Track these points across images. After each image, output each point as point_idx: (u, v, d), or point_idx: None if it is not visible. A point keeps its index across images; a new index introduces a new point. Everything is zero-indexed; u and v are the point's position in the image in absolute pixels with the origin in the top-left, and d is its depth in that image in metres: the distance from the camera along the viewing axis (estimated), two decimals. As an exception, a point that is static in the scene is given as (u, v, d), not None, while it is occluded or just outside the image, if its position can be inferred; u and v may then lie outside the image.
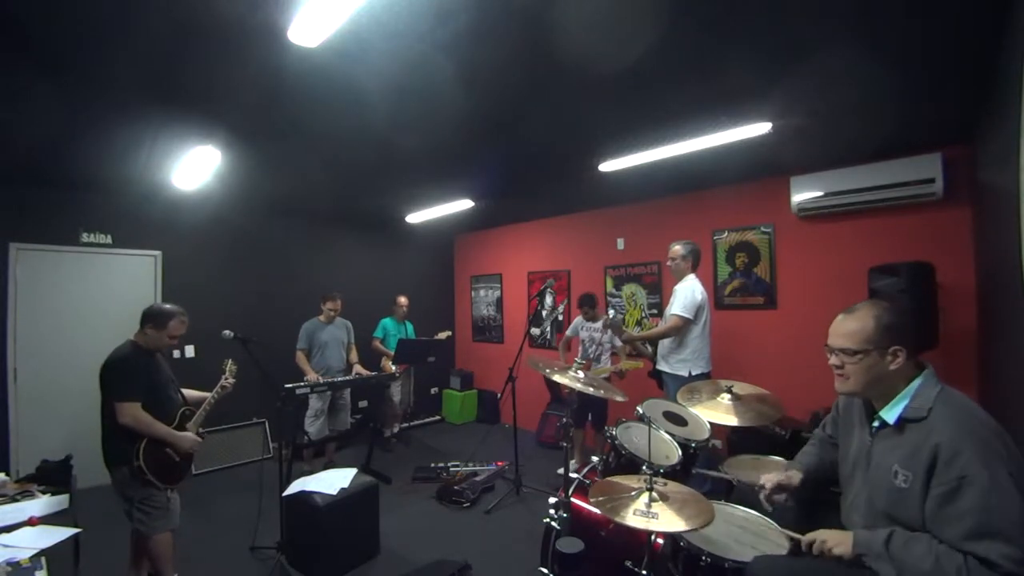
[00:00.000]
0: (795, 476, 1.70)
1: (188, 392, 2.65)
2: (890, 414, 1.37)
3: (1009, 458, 1.19)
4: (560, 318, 5.68)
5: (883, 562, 1.25)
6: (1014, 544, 1.11)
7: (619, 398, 2.35)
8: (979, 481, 1.15)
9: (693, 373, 3.18)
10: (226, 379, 2.62)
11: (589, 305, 4.28)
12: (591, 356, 4.20)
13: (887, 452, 1.37)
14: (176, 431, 2.37)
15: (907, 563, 1.21)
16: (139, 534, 2.34)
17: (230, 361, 2.70)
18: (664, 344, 3.38)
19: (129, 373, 2.29)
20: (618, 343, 4.20)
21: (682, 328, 3.22)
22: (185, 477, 2.46)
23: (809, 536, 1.43)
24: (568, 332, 4.54)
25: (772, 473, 1.73)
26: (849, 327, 1.41)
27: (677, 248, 3.40)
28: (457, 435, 5.89)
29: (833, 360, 1.44)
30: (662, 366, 3.40)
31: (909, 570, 1.21)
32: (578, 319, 4.44)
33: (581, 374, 2.45)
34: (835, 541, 1.36)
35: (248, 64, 2.12)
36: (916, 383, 1.36)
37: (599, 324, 4.24)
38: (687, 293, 3.24)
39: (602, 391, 2.38)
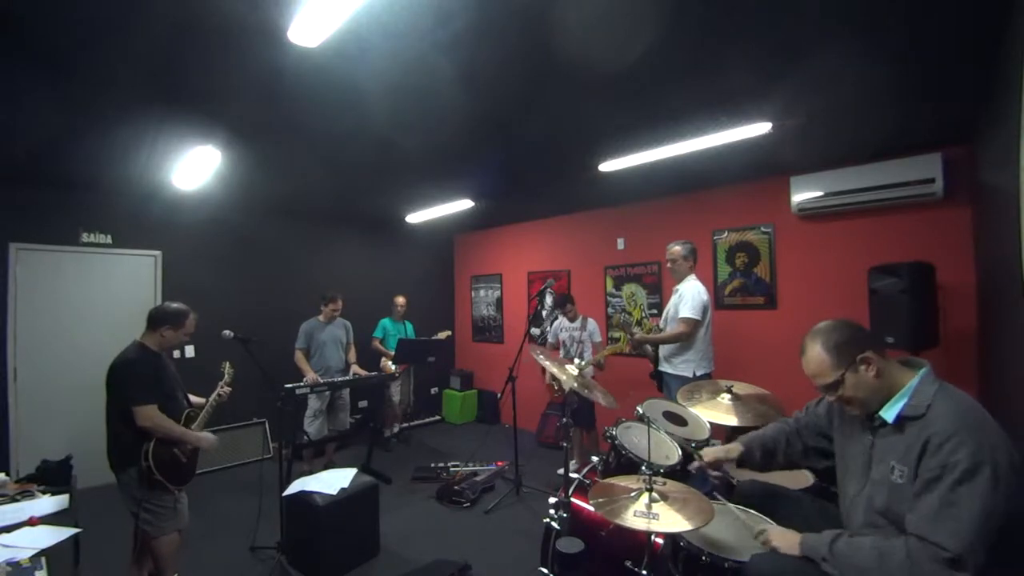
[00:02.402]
0: (734, 449, 1.79)
1: (190, 397, 2.65)
2: (889, 413, 1.39)
3: (1000, 457, 1.19)
4: (559, 316, 5.68)
5: (828, 564, 1.32)
6: (966, 538, 1.13)
7: (612, 404, 2.38)
8: (956, 471, 1.17)
9: (697, 374, 3.15)
10: (223, 386, 2.61)
11: (571, 302, 4.43)
12: (573, 354, 4.33)
13: (887, 450, 1.39)
14: (194, 432, 2.38)
15: (851, 563, 1.28)
16: (145, 534, 2.33)
17: (228, 364, 2.70)
18: (668, 345, 3.35)
19: (143, 376, 2.27)
20: (597, 338, 4.38)
21: (694, 331, 3.20)
22: (192, 477, 2.46)
23: (760, 527, 1.53)
24: (549, 339, 4.65)
25: (713, 448, 1.85)
26: (812, 368, 1.47)
27: (677, 249, 3.38)
28: (457, 435, 5.89)
29: (829, 397, 1.48)
30: (664, 367, 3.36)
31: (852, 571, 1.27)
32: (556, 323, 4.57)
33: (576, 371, 2.46)
34: (781, 541, 1.45)
35: (248, 64, 2.12)
36: (914, 382, 1.37)
37: (578, 323, 4.40)
38: (694, 294, 3.21)
39: (586, 390, 2.40)
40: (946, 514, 1.16)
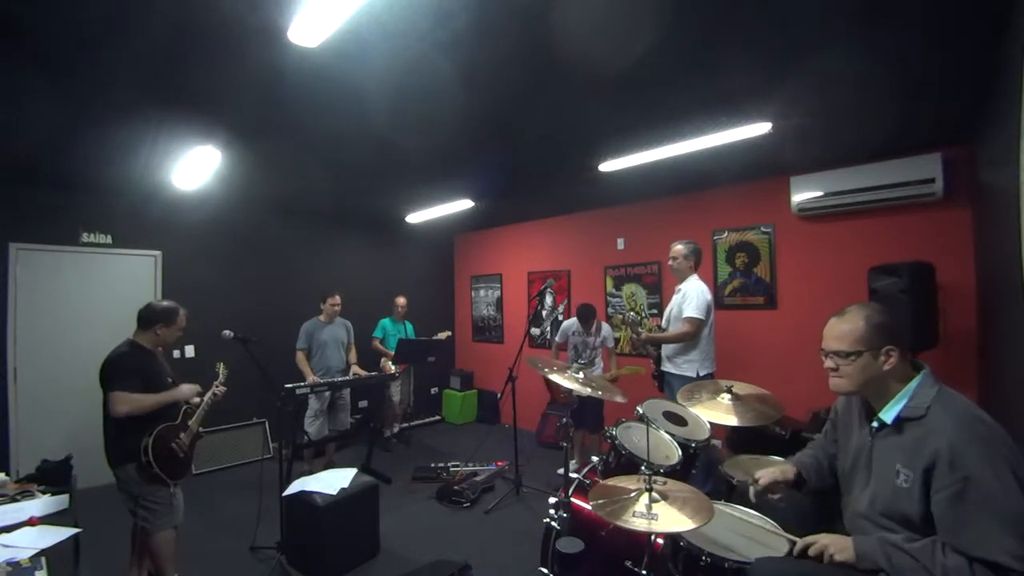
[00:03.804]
0: (789, 471, 1.72)
1: None
2: (888, 414, 1.39)
3: (1011, 457, 1.19)
4: (560, 318, 5.68)
5: (881, 568, 1.27)
6: (1021, 542, 1.11)
7: (619, 399, 2.36)
8: (984, 480, 1.16)
9: (701, 374, 3.15)
10: (217, 386, 2.62)
11: (594, 316, 4.26)
12: (584, 360, 4.24)
13: (889, 452, 1.38)
14: (172, 390, 2.40)
15: (907, 567, 1.22)
16: (142, 531, 2.35)
17: (222, 364, 2.71)
18: (671, 345, 3.35)
19: (125, 367, 2.30)
20: (611, 343, 4.29)
21: (698, 331, 3.19)
22: (188, 472, 2.47)
23: (808, 539, 1.44)
24: (559, 338, 4.50)
25: (768, 469, 1.74)
26: (841, 329, 1.43)
27: (679, 247, 3.38)
28: (457, 435, 5.89)
29: (828, 363, 1.46)
30: (667, 367, 3.35)
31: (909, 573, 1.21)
32: (568, 323, 4.42)
33: (581, 374, 2.45)
34: (837, 547, 1.36)
35: (248, 64, 2.12)
36: (914, 383, 1.37)
37: (593, 328, 4.28)
38: (697, 294, 3.20)
39: (600, 392, 2.38)
40: (994, 527, 1.13)
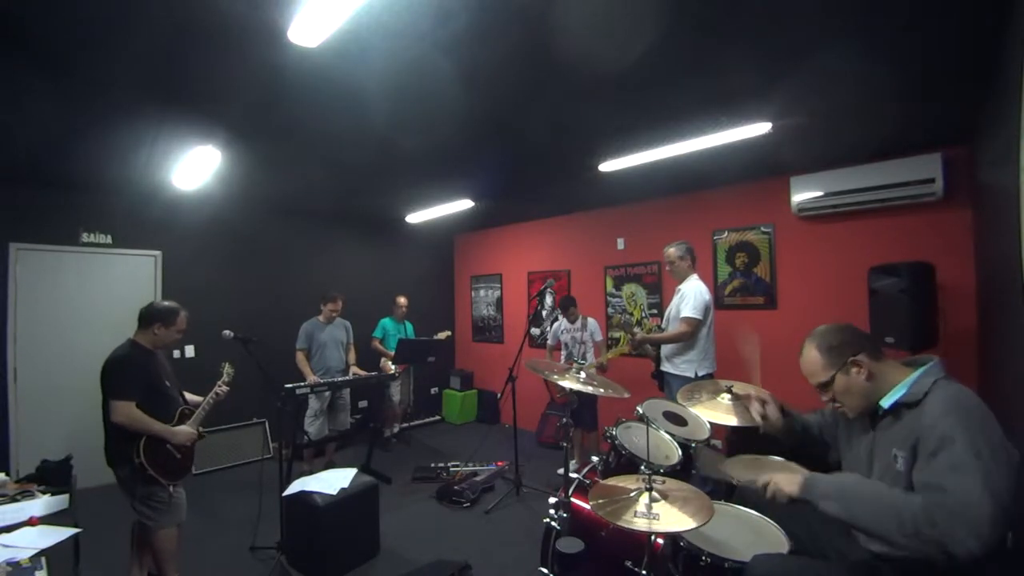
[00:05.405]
0: (780, 416, 1.82)
1: (187, 395, 2.65)
2: (887, 401, 1.42)
3: (992, 435, 1.21)
4: (560, 317, 5.68)
5: (829, 500, 1.31)
6: (978, 489, 1.12)
7: (626, 394, 2.37)
8: (960, 442, 1.18)
9: (699, 374, 3.14)
10: (220, 385, 2.61)
11: (573, 305, 4.37)
12: (576, 356, 4.30)
13: (887, 438, 1.41)
14: (171, 427, 2.37)
15: (860, 496, 1.28)
16: (142, 529, 2.35)
17: (228, 364, 2.70)
18: (669, 345, 3.35)
19: (125, 372, 2.30)
20: (598, 337, 4.36)
21: (695, 331, 3.19)
22: (187, 473, 2.47)
23: (763, 479, 1.48)
24: (550, 341, 4.61)
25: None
26: (807, 368, 1.53)
27: (672, 251, 3.36)
28: (457, 435, 5.89)
29: (824, 397, 1.52)
30: (666, 367, 3.35)
31: (860, 504, 1.26)
32: (556, 324, 4.53)
33: (583, 374, 2.45)
34: (784, 481, 1.42)
35: (248, 64, 2.12)
36: (916, 374, 1.40)
37: (578, 324, 4.36)
38: (696, 294, 3.20)
39: (602, 389, 2.39)
40: (955, 474, 1.16)
